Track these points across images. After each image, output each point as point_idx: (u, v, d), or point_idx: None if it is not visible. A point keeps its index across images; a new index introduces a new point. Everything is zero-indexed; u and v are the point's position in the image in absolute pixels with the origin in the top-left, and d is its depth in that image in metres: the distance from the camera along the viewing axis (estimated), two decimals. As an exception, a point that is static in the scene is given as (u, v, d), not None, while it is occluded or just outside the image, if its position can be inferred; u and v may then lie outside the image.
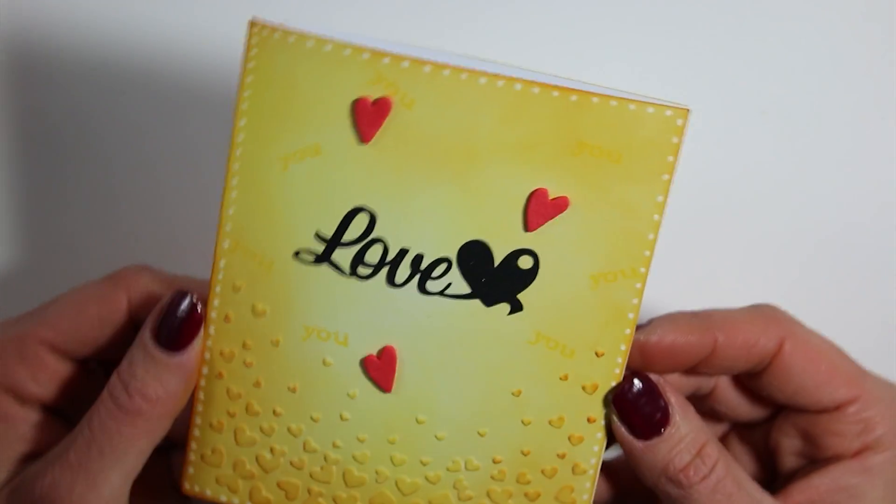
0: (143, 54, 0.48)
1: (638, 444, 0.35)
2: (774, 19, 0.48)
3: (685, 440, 0.35)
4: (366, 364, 0.37)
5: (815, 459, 0.39)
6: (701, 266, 0.51)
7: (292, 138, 0.35)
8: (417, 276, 0.36)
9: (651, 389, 0.35)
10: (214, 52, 0.48)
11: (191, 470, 0.38)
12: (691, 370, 0.38)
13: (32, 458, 0.37)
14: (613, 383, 0.37)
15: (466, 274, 0.36)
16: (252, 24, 0.34)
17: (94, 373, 0.40)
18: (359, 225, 0.36)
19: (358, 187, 0.35)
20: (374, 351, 0.37)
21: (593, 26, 0.48)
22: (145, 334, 0.35)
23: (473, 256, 0.36)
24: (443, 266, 0.36)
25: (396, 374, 0.37)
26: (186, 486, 0.39)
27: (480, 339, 0.37)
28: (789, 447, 0.39)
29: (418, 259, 0.36)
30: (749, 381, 0.39)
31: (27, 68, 0.48)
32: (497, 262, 0.36)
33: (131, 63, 0.48)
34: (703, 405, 0.42)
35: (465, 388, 0.38)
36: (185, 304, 0.36)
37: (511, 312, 0.37)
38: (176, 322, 0.35)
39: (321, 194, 0.35)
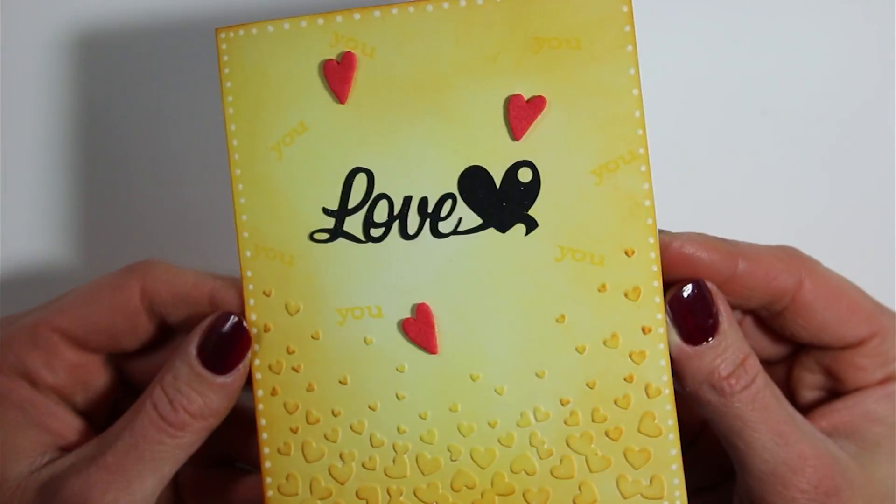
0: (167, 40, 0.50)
1: (687, 349, 0.35)
2: (774, 19, 0.49)
3: (730, 349, 0.35)
4: (405, 329, 0.36)
5: (838, 393, 0.39)
6: None
7: (279, 123, 0.36)
8: (428, 221, 0.36)
9: (703, 296, 0.35)
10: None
11: None
12: None
13: (50, 447, 0.37)
14: (655, 283, 0.35)
15: (473, 204, 0.35)
16: (217, 31, 0.37)
17: (105, 367, 0.40)
18: (359, 187, 0.36)
19: (348, 150, 0.36)
20: (408, 313, 0.36)
21: None
22: (191, 351, 0.36)
23: (474, 183, 0.35)
24: (448, 203, 0.36)
25: (437, 332, 0.36)
26: None
27: (507, 269, 0.35)
28: (811, 382, 0.40)
29: (424, 203, 0.36)
30: (772, 319, 0.39)
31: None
32: (498, 182, 0.35)
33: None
34: None
35: (508, 328, 0.35)
36: (231, 325, 0.36)
37: (528, 232, 0.35)
38: (224, 344, 0.36)
39: (318, 168, 0.36)
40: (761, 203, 0.50)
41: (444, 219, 0.36)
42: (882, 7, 0.48)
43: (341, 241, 0.36)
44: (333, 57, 0.36)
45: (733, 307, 0.38)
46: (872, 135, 0.49)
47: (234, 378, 0.36)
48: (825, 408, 0.38)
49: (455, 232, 0.36)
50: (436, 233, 0.36)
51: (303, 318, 0.37)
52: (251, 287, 0.37)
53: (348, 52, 0.36)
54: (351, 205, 0.36)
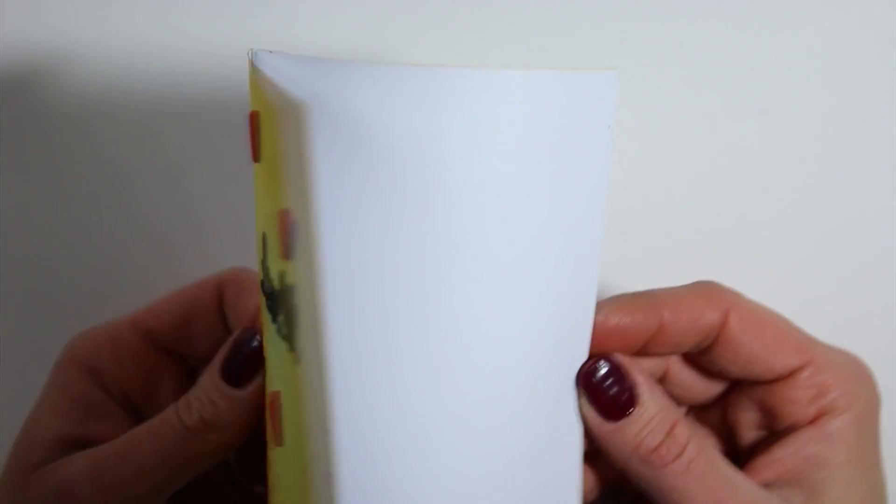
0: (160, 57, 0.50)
1: (607, 426, 0.35)
2: (774, 19, 0.48)
3: (655, 420, 0.35)
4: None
5: (774, 430, 0.38)
6: (701, 266, 0.46)
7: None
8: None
9: (616, 370, 0.35)
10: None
11: None
12: (641, 351, 0.37)
13: (85, 443, 0.38)
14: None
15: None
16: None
17: (178, 371, 0.41)
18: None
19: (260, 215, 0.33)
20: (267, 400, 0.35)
21: (592, 25, 0.49)
22: (216, 365, 0.38)
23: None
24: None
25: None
26: None
27: None
28: (747, 421, 0.39)
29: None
30: (700, 357, 0.38)
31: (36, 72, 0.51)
32: None
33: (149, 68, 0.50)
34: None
35: None
36: (251, 341, 0.37)
37: None
38: (243, 358, 0.37)
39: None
40: (761, 203, 0.50)
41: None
42: (882, 7, 0.48)
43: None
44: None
45: (665, 356, 0.39)
46: (872, 135, 0.49)
47: (247, 392, 0.37)
48: (766, 456, 0.37)
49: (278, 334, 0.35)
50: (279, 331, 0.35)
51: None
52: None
53: (254, 112, 0.32)
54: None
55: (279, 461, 0.35)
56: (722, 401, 0.40)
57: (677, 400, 0.40)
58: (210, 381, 0.37)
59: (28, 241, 0.51)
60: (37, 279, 0.51)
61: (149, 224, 0.53)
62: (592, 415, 0.35)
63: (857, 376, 0.37)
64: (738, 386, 0.39)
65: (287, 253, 0.31)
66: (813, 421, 0.37)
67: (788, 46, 0.49)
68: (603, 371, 0.35)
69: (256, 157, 0.33)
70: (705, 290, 0.37)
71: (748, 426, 0.39)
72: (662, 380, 0.40)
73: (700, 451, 0.35)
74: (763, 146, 0.49)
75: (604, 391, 0.35)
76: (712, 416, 0.41)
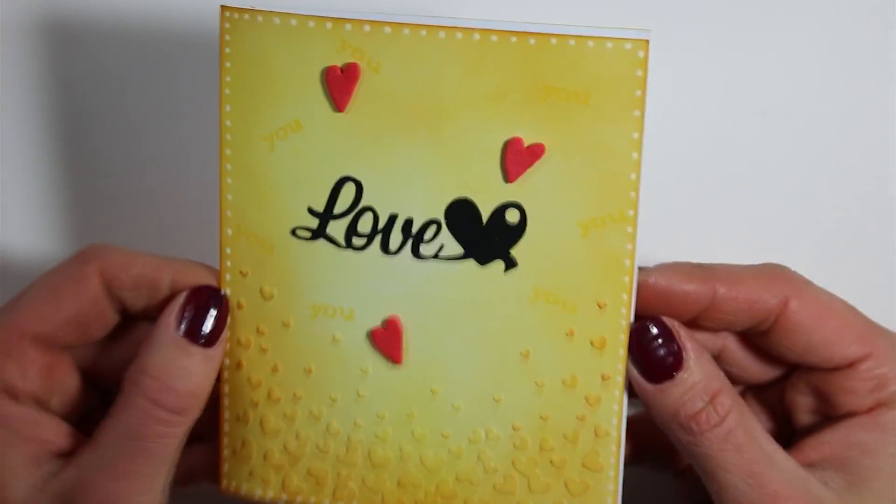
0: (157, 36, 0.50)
1: (650, 388, 0.35)
2: (774, 19, 0.48)
3: (698, 386, 0.35)
4: (373, 337, 0.37)
5: (830, 416, 0.38)
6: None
7: (274, 117, 0.36)
8: (410, 241, 0.36)
9: (664, 333, 0.35)
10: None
11: (226, 467, 0.39)
12: (693, 322, 0.37)
13: (44, 457, 0.36)
14: (622, 336, 0.36)
15: (457, 234, 0.36)
16: (223, 8, 0.36)
17: (73, 365, 0.39)
18: (347, 195, 0.36)
19: (341, 157, 0.36)
20: (379, 323, 0.37)
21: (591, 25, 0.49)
22: (170, 329, 0.35)
23: (461, 215, 0.36)
24: (433, 228, 0.36)
25: (404, 345, 0.37)
26: (224, 483, 0.39)
27: (481, 300, 0.36)
28: (804, 405, 0.39)
29: (408, 224, 0.36)
30: (758, 339, 0.38)
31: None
32: (485, 218, 0.35)
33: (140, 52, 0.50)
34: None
35: (473, 353, 0.37)
36: (213, 298, 0.37)
37: (507, 269, 0.36)
38: (207, 317, 0.36)
39: (308, 169, 0.36)
40: (761, 203, 0.50)
41: (427, 242, 0.36)
42: (882, 7, 0.48)
43: (322, 242, 0.37)
44: (338, 64, 0.35)
45: (717, 331, 0.38)
46: (872, 135, 0.49)
47: (220, 350, 0.37)
48: (815, 438, 0.37)
49: (436, 257, 0.36)
50: (416, 253, 0.36)
51: (276, 305, 0.38)
52: (229, 264, 0.37)
53: (353, 63, 0.35)
54: (336, 210, 0.36)
55: (389, 378, 0.38)
56: (781, 382, 0.40)
57: (734, 379, 0.40)
58: (176, 350, 0.36)
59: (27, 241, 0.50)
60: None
61: (146, 223, 0.50)
62: (636, 375, 0.36)
63: None
64: (797, 369, 0.39)
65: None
66: (869, 411, 0.36)
67: (788, 46, 0.48)
68: (652, 332, 0.35)
69: None
70: (768, 273, 0.37)
71: (805, 410, 0.39)
72: (719, 357, 0.40)
73: (741, 423, 0.35)
74: (763, 146, 0.49)
75: (651, 352, 0.35)
76: (771, 396, 0.41)
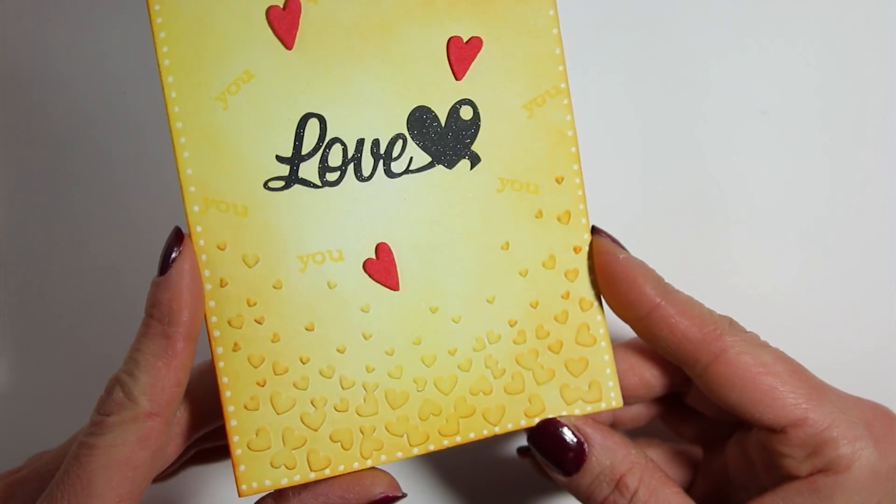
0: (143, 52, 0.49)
1: (563, 479, 0.38)
2: (775, 19, 0.49)
3: (604, 473, 0.37)
4: (367, 269, 0.36)
5: (774, 477, 0.38)
6: (700, 266, 0.51)
7: (222, 73, 0.36)
8: (381, 162, 0.36)
9: (561, 434, 0.38)
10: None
11: (241, 468, 0.36)
12: (639, 333, 0.39)
13: None
14: (581, 206, 0.38)
15: (422, 143, 0.36)
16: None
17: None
18: (312, 132, 0.36)
19: (298, 95, 0.36)
20: (370, 253, 0.37)
21: (591, 25, 0.50)
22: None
23: (422, 123, 0.36)
24: (399, 143, 0.36)
25: (398, 269, 0.37)
26: (243, 488, 0.36)
27: (456, 203, 0.37)
28: (751, 463, 0.40)
29: (376, 144, 0.36)
30: (698, 383, 0.38)
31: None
32: (443, 121, 0.36)
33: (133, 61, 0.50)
34: (682, 406, 0.44)
35: (460, 259, 0.37)
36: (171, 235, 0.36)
37: (472, 167, 0.37)
38: (165, 251, 0.35)
39: (268, 116, 0.36)
40: (761, 202, 0.50)
41: (396, 159, 0.36)
42: (882, 7, 0.49)
43: (297, 187, 0.37)
44: (278, 3, 0.36)
45: (649, 341, 0.39)
46: (872, 135, 0.50)
47: (175, 271, 0.35)
48: (757, 501, 0.37)
49: (407, 171, 0.37)
50: (389, 173, 0.36)
51: (262, 269, 0.37)
52: (202, 242, 0.36)
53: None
54: (304, 150, 0.36)
55: (390, 307, 0.37)
56: (735, 436, 0.41)
57: (704, 414, 0.42)
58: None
59: (26, 242, 0.49)
60: (35, 280, 0.46)
61: (144, 226, 0.49)
62: (550, 468, 0.38)
63: (870, 436, 0.36)
64: (742, 429, 0.40)
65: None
66: (808, 476, 0.36)
67: (788, 46, 0.49)
68: (556, 433, 0.38)
69: None
70: (718, 319, 0.37)
71: (751, 469, 0.39)
72: (686, 396, 0.42)
73: (652, 495, 0.37)
74: (763, 146, 0.50)
75: (556, 451, 0.38)
76: (727, 449, 0.42)
